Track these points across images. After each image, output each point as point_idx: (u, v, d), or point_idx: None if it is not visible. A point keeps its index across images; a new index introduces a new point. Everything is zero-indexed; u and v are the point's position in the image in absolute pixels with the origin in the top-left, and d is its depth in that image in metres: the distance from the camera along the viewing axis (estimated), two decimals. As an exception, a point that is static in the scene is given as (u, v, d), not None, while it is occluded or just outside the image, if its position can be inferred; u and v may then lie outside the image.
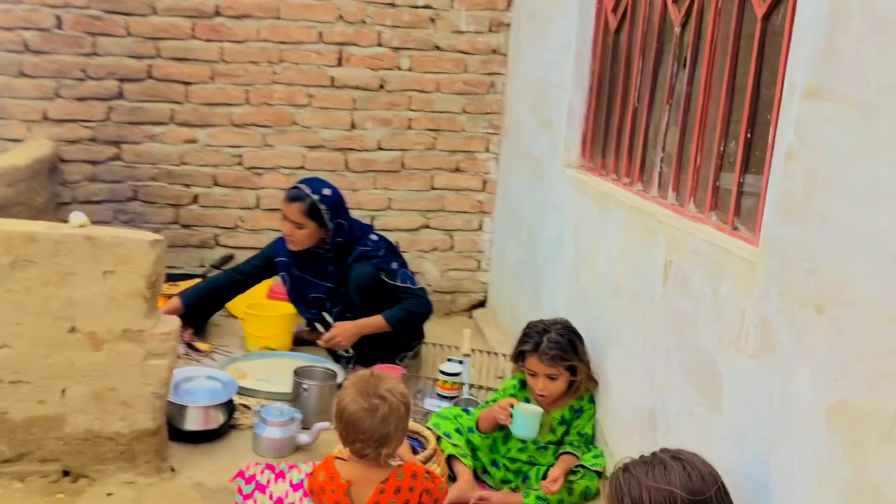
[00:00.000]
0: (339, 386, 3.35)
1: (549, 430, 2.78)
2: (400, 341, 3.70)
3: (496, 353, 3.65)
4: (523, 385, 2.79)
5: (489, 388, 3.39)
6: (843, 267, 1.50)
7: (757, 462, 1.75)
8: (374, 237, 3.61)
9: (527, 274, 3.89)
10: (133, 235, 2.59)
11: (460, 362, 3.45)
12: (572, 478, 2.62)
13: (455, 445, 2.78)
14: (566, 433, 2.79)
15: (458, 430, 2.85)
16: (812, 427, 1.57)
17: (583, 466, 2.66)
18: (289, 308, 3.89)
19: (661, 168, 2.55)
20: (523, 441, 2.77)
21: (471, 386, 3.36)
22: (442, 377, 3.30)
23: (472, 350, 3.54)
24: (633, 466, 1.69)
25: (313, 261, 3.67)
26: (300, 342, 3.91)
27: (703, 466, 1.69)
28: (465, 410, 2.97)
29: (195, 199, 4.47)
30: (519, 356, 2.76)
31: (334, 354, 3.64)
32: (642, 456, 1.74)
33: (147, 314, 2.60)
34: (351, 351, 3.57)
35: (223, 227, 4.53)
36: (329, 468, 2.18)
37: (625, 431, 2.52)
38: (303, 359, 3.75)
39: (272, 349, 3.85)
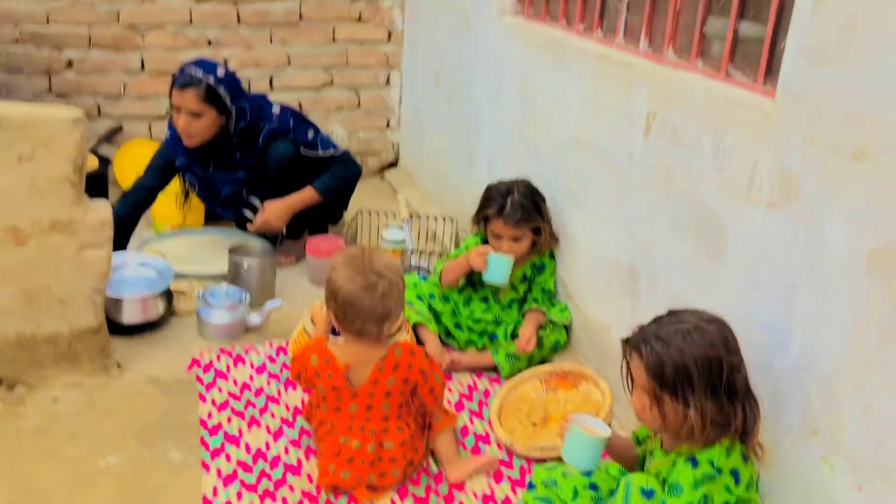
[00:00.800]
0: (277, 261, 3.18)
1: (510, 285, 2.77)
2: (325, 211, 3.52)
3: (440, 218, 3.54)
4: (485, 242, 2.73)
5: (433, 253, 3.32)
6: (889, 113, 1.48)
7: (774, 310, 1.79)
8: (275, 110, 3.28)
9: (452, 132, 3.75)
10: (49, 113, 2.24)
11: (400, 228, 3.34)
12: (542, 333, 2.63)
13: (418, 313, 2.71)
14: (528, 290, 2.77)
15: (419, 297, 2.77)
16: (847, 272, 1.59)
17: (551, 322, 2.67)
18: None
19: (626, 13, 2.44)
20: (490, 297, 2.75)
21: (413, 251, 3.27)
22: (385, 244, 3.18)
23: (410, 215, 3.42)
24: (665, 334, 1.68)
25: (217, 153, 3.25)
26: (212, 217, 3.64)
27: (725, 324, 1.71)
28: (422, 277, 2.90)
29: (69, 65, 3.96)
30: (482, 219, 2.68)
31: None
32: (661, 320, 1.73)
33: (76, 202, 2.30)
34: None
35: (106, 96, 4.06)
36: (323, 351, 2.07)
37: (597, 286, 2.53)
38: (219, 234, 3.52)
39: (183, 227, 3.58)
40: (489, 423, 2.40)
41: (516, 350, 2.59)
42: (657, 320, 1.74)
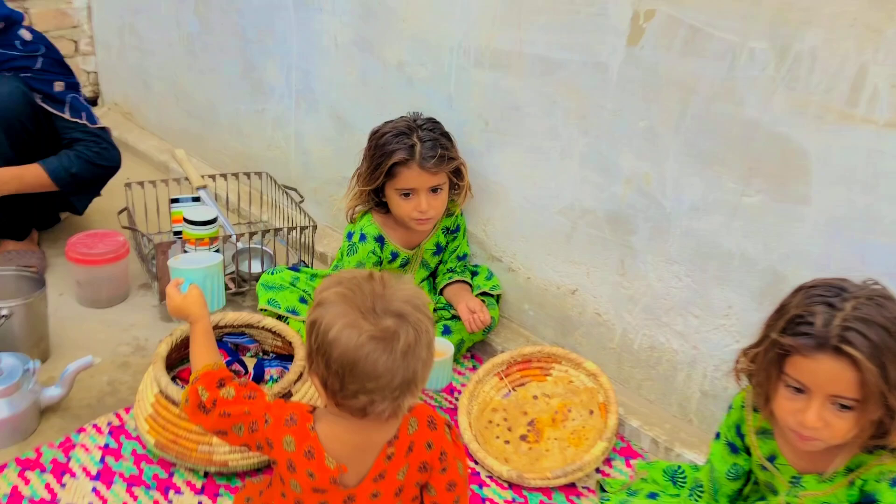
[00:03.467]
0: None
1: (420, 264, 2.09)
2: (48, 207, 2.43)
3: (241, 176, 2.59)
4: (381, 209, 1.99)
5: (279, 232, 2.44)
6: None
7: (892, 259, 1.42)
8: (25, 33, 2.12)
9: (215, 49, 2.78)
10: None
11: (196, 199, 2.39)
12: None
13: (308, 324, 1.93)
14: (440, 262, 2.12)
15: (303, 301, 1.98)
16: None
17: (486, 294, 2.07)
18: None
19: None
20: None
21: (236, 236, 2.37)
22: (190, 230, 2.24)
23: (204, 177, 2.47)
24: (862, 313, 1.20)
25: None
26: None
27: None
28: (294, 268, 2.08)
29: None
30: (384, 175, 1.91)
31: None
32: (831, 295, 1.25)
33: None
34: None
35: None
36: (304, 437, 1.26)
37: (548, 241, 1.97)
38: None
39: None
40: (467, 453, 1.79)
41: (467, 329, 1.96)
42: (823, 300, 1.24)
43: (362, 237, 1.96)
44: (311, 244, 2.31)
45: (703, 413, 1.80)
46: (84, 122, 2.23)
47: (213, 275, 1.77)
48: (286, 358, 1.91)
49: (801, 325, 1.20)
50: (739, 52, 1.52)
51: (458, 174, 1.97)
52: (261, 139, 2.73)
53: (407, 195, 1.91)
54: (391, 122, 1.95)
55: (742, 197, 1.60)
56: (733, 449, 1.46)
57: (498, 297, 2.10)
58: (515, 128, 1.94)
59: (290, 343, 1.83)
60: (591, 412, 1.86)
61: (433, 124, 1.94)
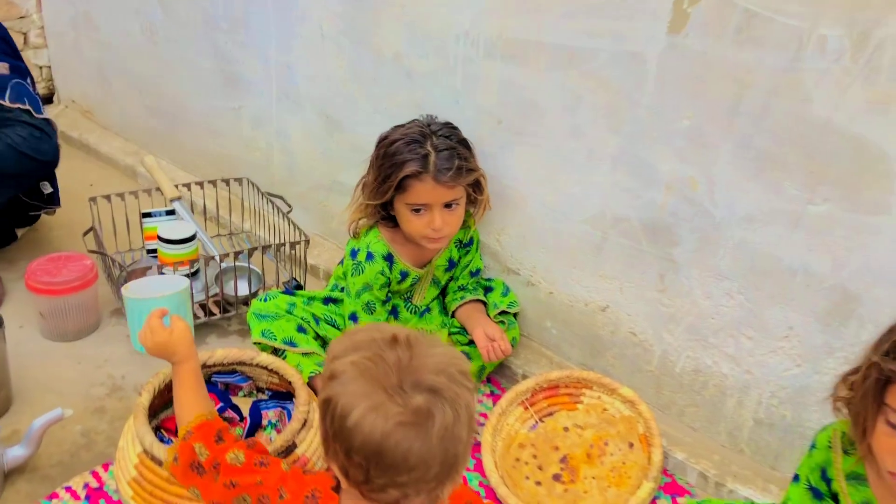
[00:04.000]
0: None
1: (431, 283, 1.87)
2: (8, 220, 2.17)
3: (220, 183, 2.34)
4: (389, 222, 1.76)
5: (267, 248, 2.21)
6: None
7: None
8: None
9: (185, 41, 2.51)
10: None
11: (171, 213, 2.15)
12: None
13: (308, 355, 1.71)
14: (451, 278, 1.90)
15: (301, 330, 1.75)
16: None
17: (504, 313, 1.85)
18: None
19: None
20: (401, 307, 1.85)
21: (220, 256, 2.14)
22: (166, 250, 2.00)
23: (179, 186, 2.21)
24: None
25: None
26: None
27: None
28: (288, 292, 1.85)
29: None
30: (387, 191, 1.68)
31: None
32: None
33: None
34: None
35: None
36: None
37: (572, 253, 1.76)
38: None
39: None
40: (494, 498, 1.58)
41: (483, 359, 1.76)
42: None
43: (369, 256, 1.73)
44: (303, 260, 2.08)
45: (756, 443, 1.62)
46: (24, 105, 1.95)
47: (176, 305, 1.52)
48: (284, 396, 1.69)
49: None
50: (807, 39, 1.30)
51: (476, 187, 1.75)
52: (238, 139, 2.48)
53: (418, 210, 1.68)
54: (401, 126, 1.71)
55: (807, 205, 1.39)
56: (817, 495, 1.26)
57: (516, 315, 1.89)
58: (533, 126, 1.72)
59: (290, 381, 1.60)
60: (631, 445, 1.67)
61: (450, 130, 1.70)
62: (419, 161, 1.63)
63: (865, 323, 1.39)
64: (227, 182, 2.30)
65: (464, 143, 1.71)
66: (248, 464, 1.14)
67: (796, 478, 1.29)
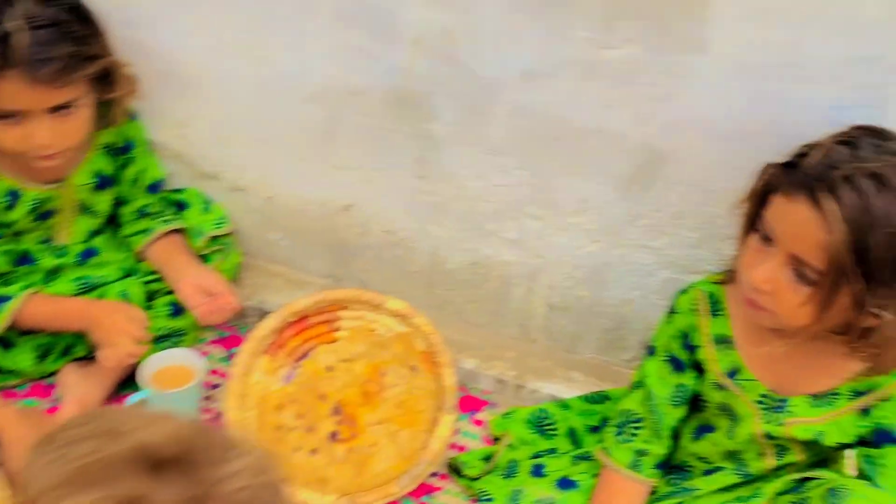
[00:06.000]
0: None
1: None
2: None
3: None
4: None
5: None
6: None
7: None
8: None
9: None
10: None
11: None
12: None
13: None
14: (119, 202, 1.35)
15: None
16: None
17: (216, 237, 1.37)
18: None
19: None
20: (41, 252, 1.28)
21: None
22: None
23: None
24: (882, 169, 0.82)
25: None
26: None
27: None
28: None
29: None
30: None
31: None
32: (856, 142, 0.86)
33: None
34: None
35: None
36: None
37: (300, 139, 1.31)
38: None
39: None
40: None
41: (200, 322, 1.29)
42: (850, 141, 0.87)
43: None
44: None
45: (550, 330, 1.39)
46: None
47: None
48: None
49: (801, 156, 0.89)
50: None
51: (104, 80, 1.17)
52: None
53: (12, 118, 1.10)
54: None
55: (602, 50, 1.07)
56: (677, 365, 1.10)
57: (229, 235, 1.41)
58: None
59: None
60: (413, 368, 1.35)
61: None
62: None
63: (673, 184, 1.16)
64: None
65: (77, 11, 1.11)
66: None
67: (652, 350, 1.13)
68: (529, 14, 1.07)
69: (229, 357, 1.38)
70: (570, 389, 1.35)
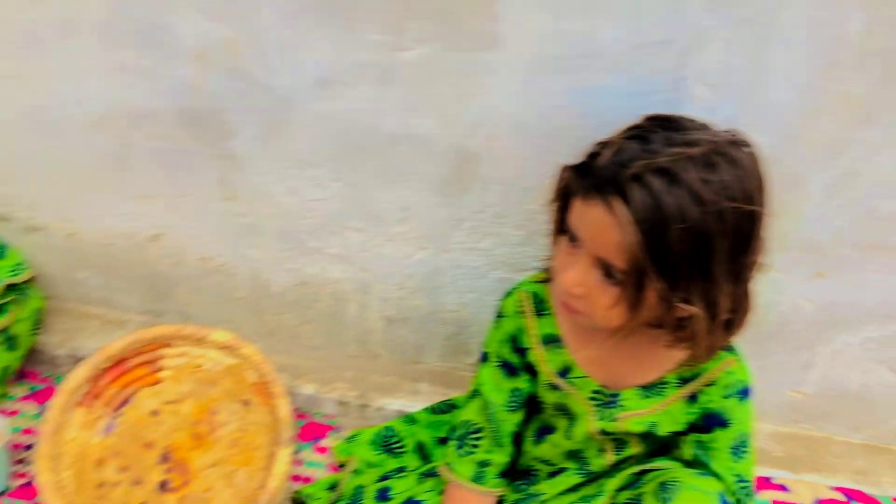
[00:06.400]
0: None
1: None
2: None
3: None
4: None
5: None
6: None
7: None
8: None
9: None
10: None
11: None
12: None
13: None
14: None
15: None
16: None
17: (12, 286, 1.23)
18: None
19: None
20: None
21: None
22: None
23: None
24: (673, 164, 0.78)
25: None
26: None
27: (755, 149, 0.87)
28: None
29: None
30: None
31: None
32: (650, 136, 0.81)
33: None
34: None
35: None
36: None
37: (92, 170, 1.19)
38: None
39: None
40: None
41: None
42: (641, 135, 0.82)
43: None
44: None
45: (391, 343, 1.33)
46: None
47: None
48: None
49: (594, 156, 0.84)
50: None
51: None
52: None
53: None
54: None
55: (396, 52, 1.01)
56: (510, 370, 1.07)
57: (28, 283, 1.28)
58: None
59: None
60: (246, 402, 1.26)
61: None
62: None
63: (490, 184, 1.11)
64: None
65: None
66: None
67: (485, 356, 1.08)
68: (314, 19, 0.99)
69: (42, 413, 1.26)
70: (417, 402, 1.30)
